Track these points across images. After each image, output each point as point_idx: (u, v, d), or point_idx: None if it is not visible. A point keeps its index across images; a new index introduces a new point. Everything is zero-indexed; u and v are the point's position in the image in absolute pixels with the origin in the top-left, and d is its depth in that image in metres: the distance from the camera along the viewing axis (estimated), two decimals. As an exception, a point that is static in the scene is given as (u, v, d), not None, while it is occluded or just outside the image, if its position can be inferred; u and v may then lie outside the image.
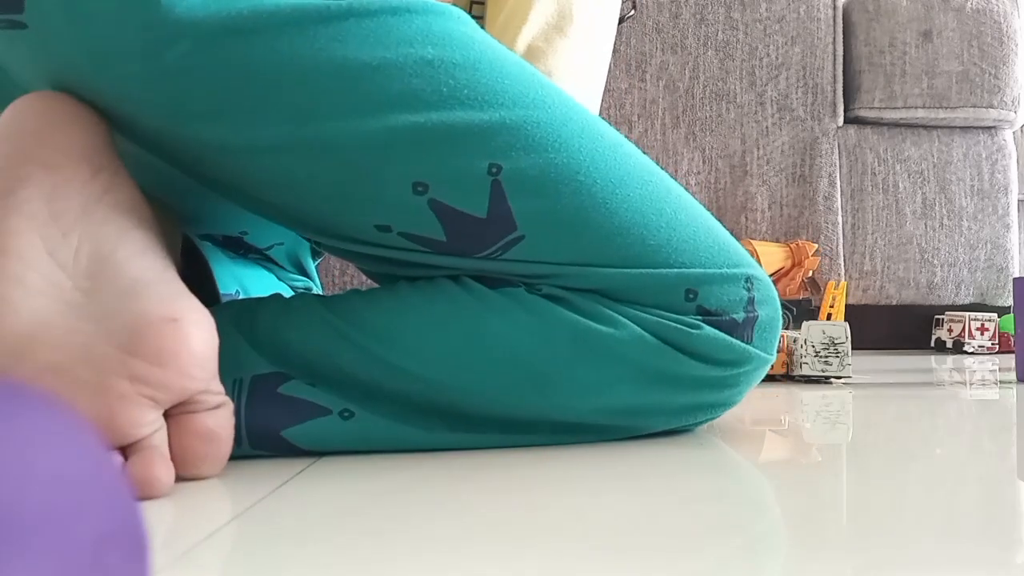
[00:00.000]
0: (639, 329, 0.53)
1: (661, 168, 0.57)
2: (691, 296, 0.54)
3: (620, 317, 0.53)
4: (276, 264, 0.82)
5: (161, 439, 0.44)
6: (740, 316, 0.55)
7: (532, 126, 0.51)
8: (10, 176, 0.45)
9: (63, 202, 0.45)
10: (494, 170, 0.50)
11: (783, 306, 0.58)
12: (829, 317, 1.40)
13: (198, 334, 0.44)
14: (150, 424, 0.43)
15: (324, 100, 0.48)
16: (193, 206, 0.60)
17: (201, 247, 0.52)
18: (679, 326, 0.53)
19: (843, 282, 1.47)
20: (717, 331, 0.54)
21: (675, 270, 0.54)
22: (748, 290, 0.56)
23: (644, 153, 0.57)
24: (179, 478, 0.45)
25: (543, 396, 0.53)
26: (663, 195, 0.55)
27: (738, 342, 0.55)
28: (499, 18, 0.72)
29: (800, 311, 1.41)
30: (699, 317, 0.54)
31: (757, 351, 0.56)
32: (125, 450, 0.43)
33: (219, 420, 0.46)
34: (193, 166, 0.51)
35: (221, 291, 0.65)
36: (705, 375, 0.55)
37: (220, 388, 0.47)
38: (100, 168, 0.47)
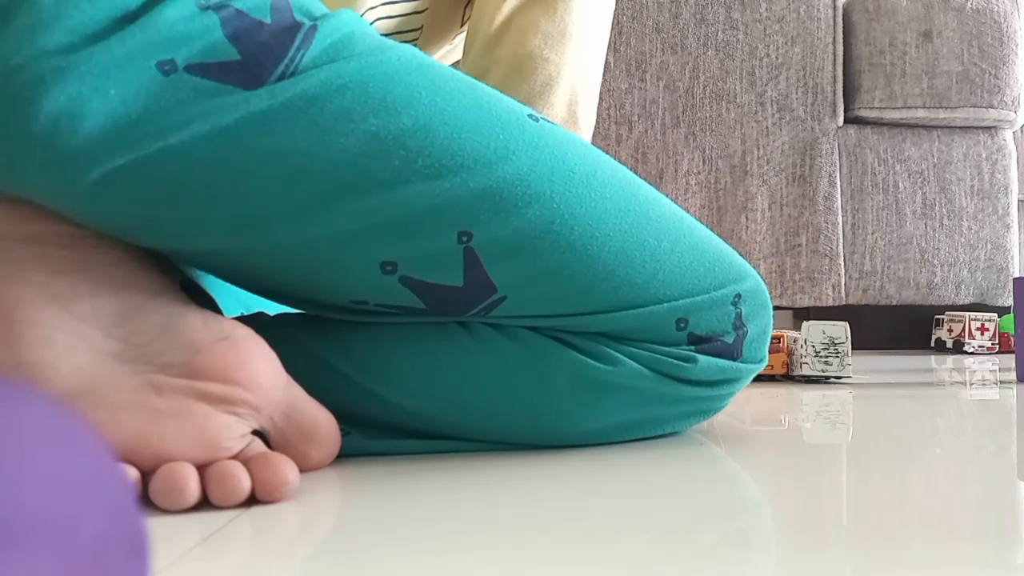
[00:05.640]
0: (636, 365, 0.52)
1: (639, 177, 0.53)
2: (682, 325, 0.52)
3: (617, 355, 0.52)
4: None
5: (261, 446, 0.44)
6: (731, 337, 0.54)
7: (498, 183, 0.46)
8: None
9: (56, 263, 0.43)
10: (464, 238, 0.46)
11: None
12: None
13: (252, 345, 0.44)
14: (243, 438, 0.43)
15: (263, 204, 0.43)
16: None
17: (197, 278, 0.50)
18: (674, 360, 0.52)
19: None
20: (710, 358, 0.53)
21: (665, 304, 0.51)
22: (736, 305, 0.54)
23: (619, 162, 0.53)
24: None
25: (538, 426, 0.53)
26: (643, 224, 0.51)
27: (729, 362, 0.54)
28: None
29: None
30: (692, 347, 0.53)
31: (747, 365, 0.56)
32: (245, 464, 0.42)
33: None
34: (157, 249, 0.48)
35: (227, 316, 0.63)
36: (699, 395, 0.55)
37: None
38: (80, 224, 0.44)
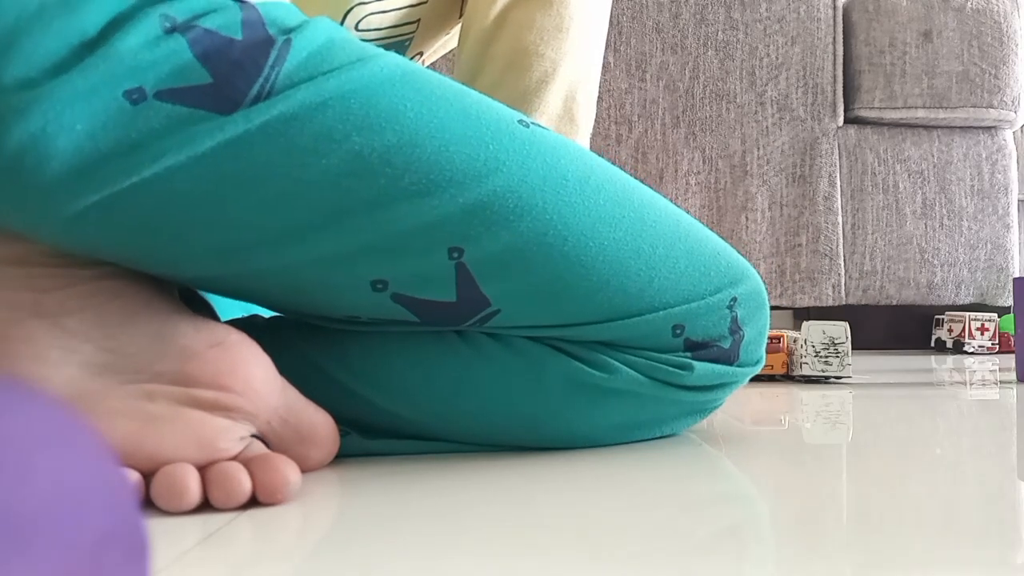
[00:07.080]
0: (633, 372, 0.52)
1: (637, 178, 0.53)
2: (678, 332, 0.52)
3: (614, 362, 0.51)
4: None
5: (260, 447, 0.44)
6: (727, 342, 0.54)
7: (489, 197, 0.44)
8: None
9: (45, 281, 0.42)
10: (455, 255, 0.45)
11: None
12: None
13: (245, 350, 0.44)
14: (242, 440, 0.43)
15: (246, 231, 0.42)
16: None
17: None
18: (671, 368, 0.52)
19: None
20: (707, 364, 0.53)
21: (660, 312, 0.51)
22: (731, 309, 0.53)
23: (619, 162, 0.53)
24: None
25: (534, 431, 0.53)
26: (638, 231, 0.49)
27: (726, 367, 0.54)
28: None
29: None
30: (688, 353, 0.53)
31: (743, 368, 0.56)
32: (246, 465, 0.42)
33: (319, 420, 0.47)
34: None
35: (226, 317, 0.63)
36: (695, 399, 0.55)
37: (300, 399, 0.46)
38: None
